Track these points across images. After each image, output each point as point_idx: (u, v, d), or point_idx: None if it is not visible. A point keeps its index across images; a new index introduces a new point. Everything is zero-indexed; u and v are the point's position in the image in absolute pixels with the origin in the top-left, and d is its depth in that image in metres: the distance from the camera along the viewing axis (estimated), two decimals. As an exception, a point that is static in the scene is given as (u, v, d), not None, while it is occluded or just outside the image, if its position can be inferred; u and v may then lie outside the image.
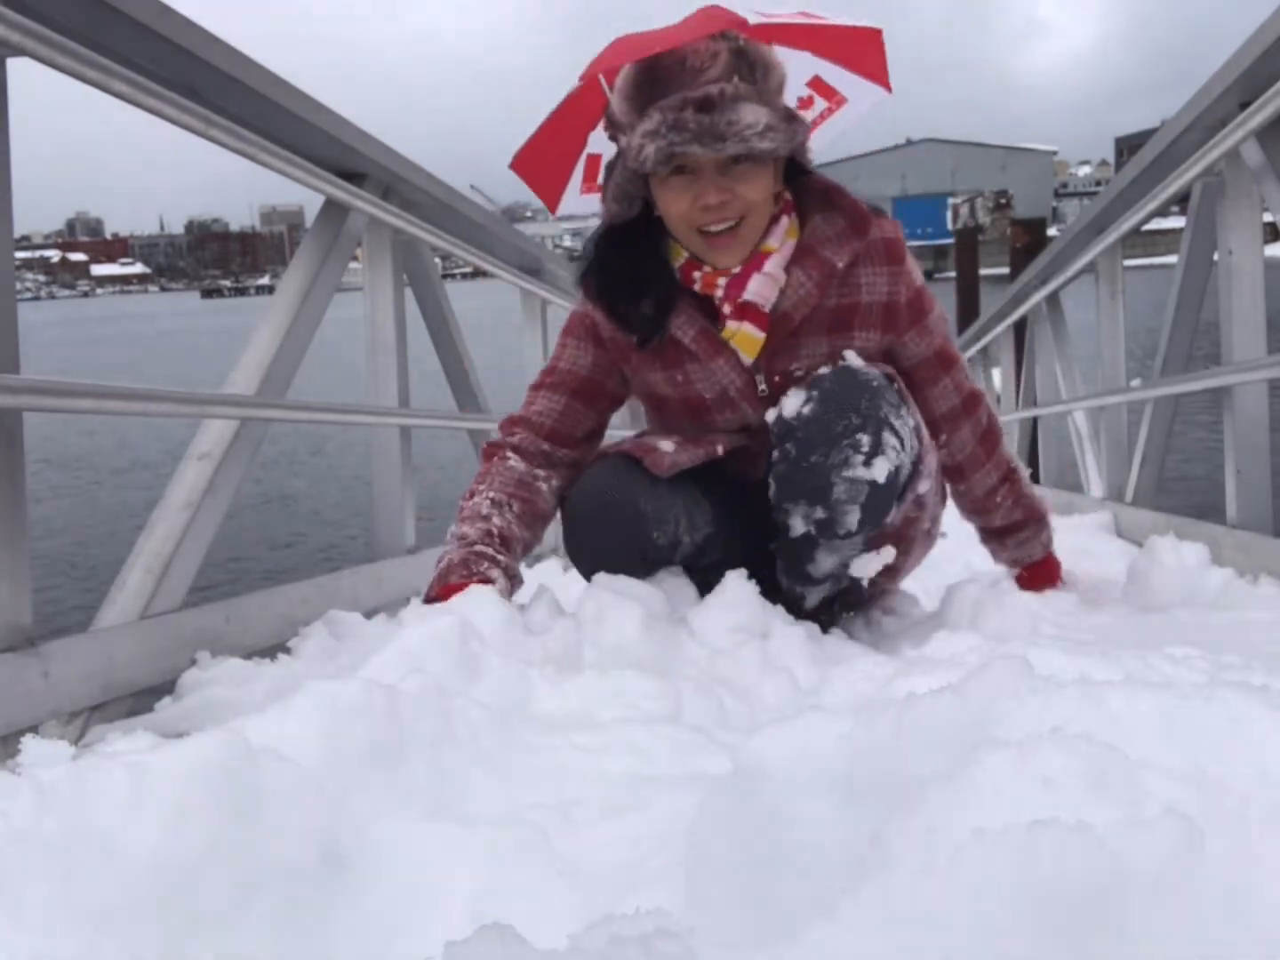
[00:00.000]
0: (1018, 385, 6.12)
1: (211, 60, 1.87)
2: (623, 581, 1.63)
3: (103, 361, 32.85)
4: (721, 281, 1.77)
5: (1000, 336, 6.50)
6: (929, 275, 2.09)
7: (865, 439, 1.66)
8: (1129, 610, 1.98)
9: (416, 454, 2.92)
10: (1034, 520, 2.08)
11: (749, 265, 1.76)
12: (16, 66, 1.49)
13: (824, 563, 1.78)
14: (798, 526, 1.74)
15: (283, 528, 9.73)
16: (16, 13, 1.39)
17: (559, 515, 1.88)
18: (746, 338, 1.79)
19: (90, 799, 0.72)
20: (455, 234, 3.16)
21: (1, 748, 1.35)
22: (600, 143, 1.90)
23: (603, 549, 1.75)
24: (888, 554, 1.84)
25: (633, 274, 1.81)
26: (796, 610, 1.83)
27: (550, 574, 2.73)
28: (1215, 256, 2.88)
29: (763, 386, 1.81)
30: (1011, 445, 2.13)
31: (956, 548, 2.32)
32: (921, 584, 2.24)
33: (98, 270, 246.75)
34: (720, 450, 1.83)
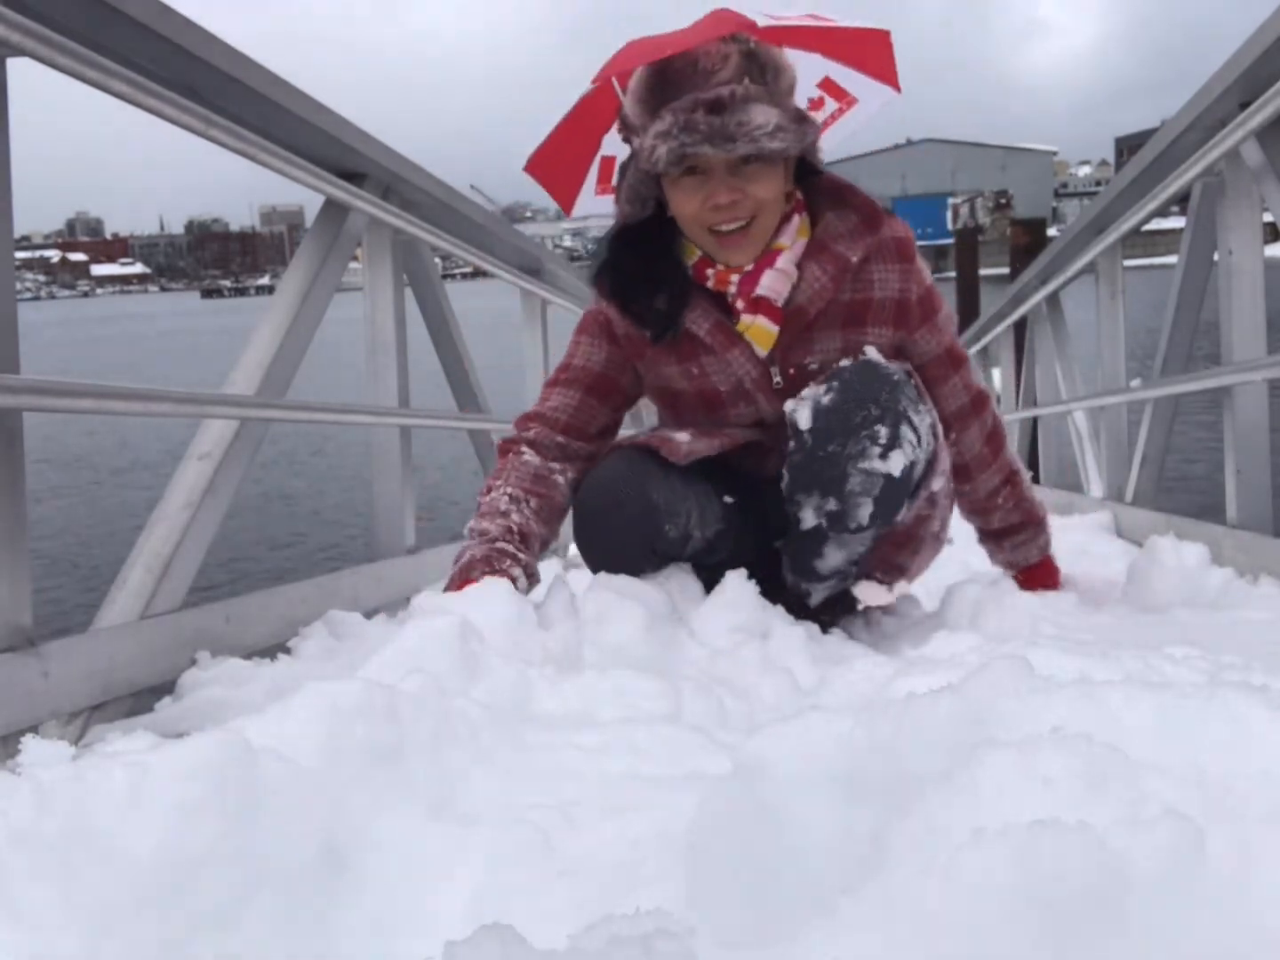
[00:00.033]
0: (1018, 385, 6.12)
1: (211, 60, 1.87)
2: (625, 581, 1.63)
3: (103, 361, 32.85)
4: (734, 278, 1.79)
5: (1000, 336, 6.50)
6: (929, 275, 2.12)
7: (883, 431, 1.67)
8: (1129, 610, 1.98)
9: (416, 454, 2.93)
10: (1032, 524, 2.09)
11: (761, 262, 1.78)
12: (16, 66, 1.49)
13: (832, 558, 1.78)
14: (809, 519, 1.74)
15: (283, 528, 9.73)
16: (16, 13, 1.39)
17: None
18: (761, 330, 1.80)
19: (90, 799, 0.72)
20: (455, 234, 3.16)
21: (1, 748, 1.35)
22: (614, 145, 1.92)
23: (614, 540, 1.76)
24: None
25: (646, 272, 1.83)
26: (799, 608, 1.83)
27: (550, 573, 2.72)
28: (1215, 256, 2.88)
29: (777, 379, 1.83)
30: (1012, 445, 2.14)
31: (956, 549, 2.32)
32: (922, 584, 2.24)
33: (98, 270, 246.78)
34: (737, 439, 1.84)
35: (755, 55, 1.70)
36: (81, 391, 1.57)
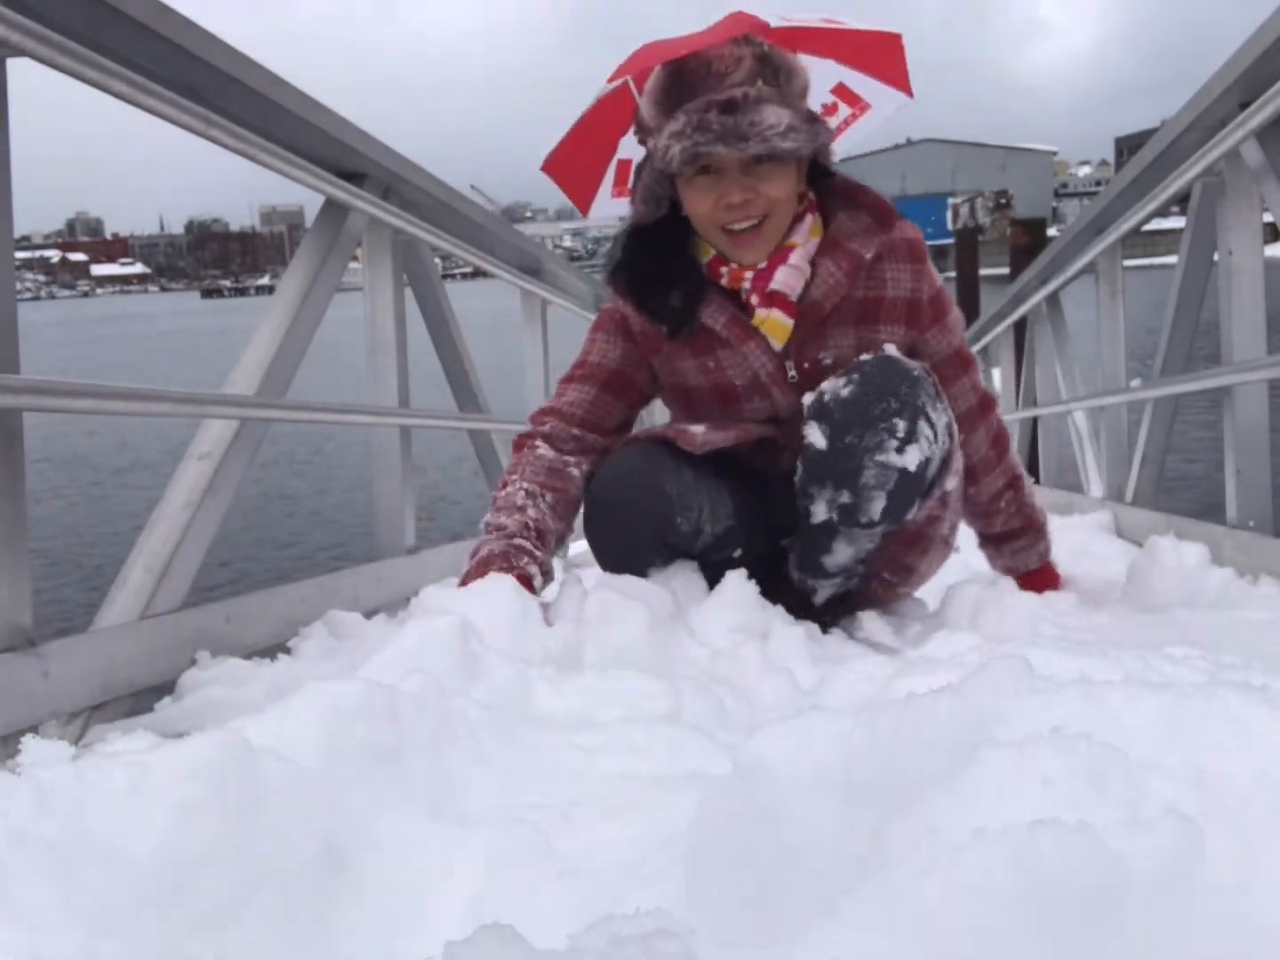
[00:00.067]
0: (1018, 385, 6.12)
1: (211, 60, 1.87)
2: (628, 581, 1.63)
3: (103, 361, 32.85)
4: (748, 275, 1.82)
5: (1000, 336, 6.50)
6: (930, 276, 2.16)
7: (901, 424, 1.67)
8: (1129, 610, 1.98)
9: (416, 454, 2.92)
10: (1032, 529, 2.10)
11: (775, 259, 1.81)
12: (16, 66, 1.49)
13: (840, 554, 1.78)
14: (820, 512, 1.74)
15: (283, 528, 9.73)
16: (16, 13, 1.39)
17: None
18: (776, 324, 1.82)
19: (90, 799, 0.72)
20: (455, 234, 3.16)
21: (1, 748, 1.35)
22: (630, 148, 1.96)
23: (625, 530, 1.77)
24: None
25: (661, 271, 1.86)
26: (804, 607, 1.83)
27: (561, 571, 2.72)
28: (1215, 256, 2.88)
29: (792, 373, 1.84)
30: (1014, 449, 2.15)
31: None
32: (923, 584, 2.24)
33: (98, 270, 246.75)
34: (752, 434, 1.85)
35: (769, 58, 1.73)
36: (81, 391, 1.57)
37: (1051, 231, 18.52)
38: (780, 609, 1.71)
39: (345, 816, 0.82)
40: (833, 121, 1.92)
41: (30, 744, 0.87)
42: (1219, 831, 0.60)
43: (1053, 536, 2.18)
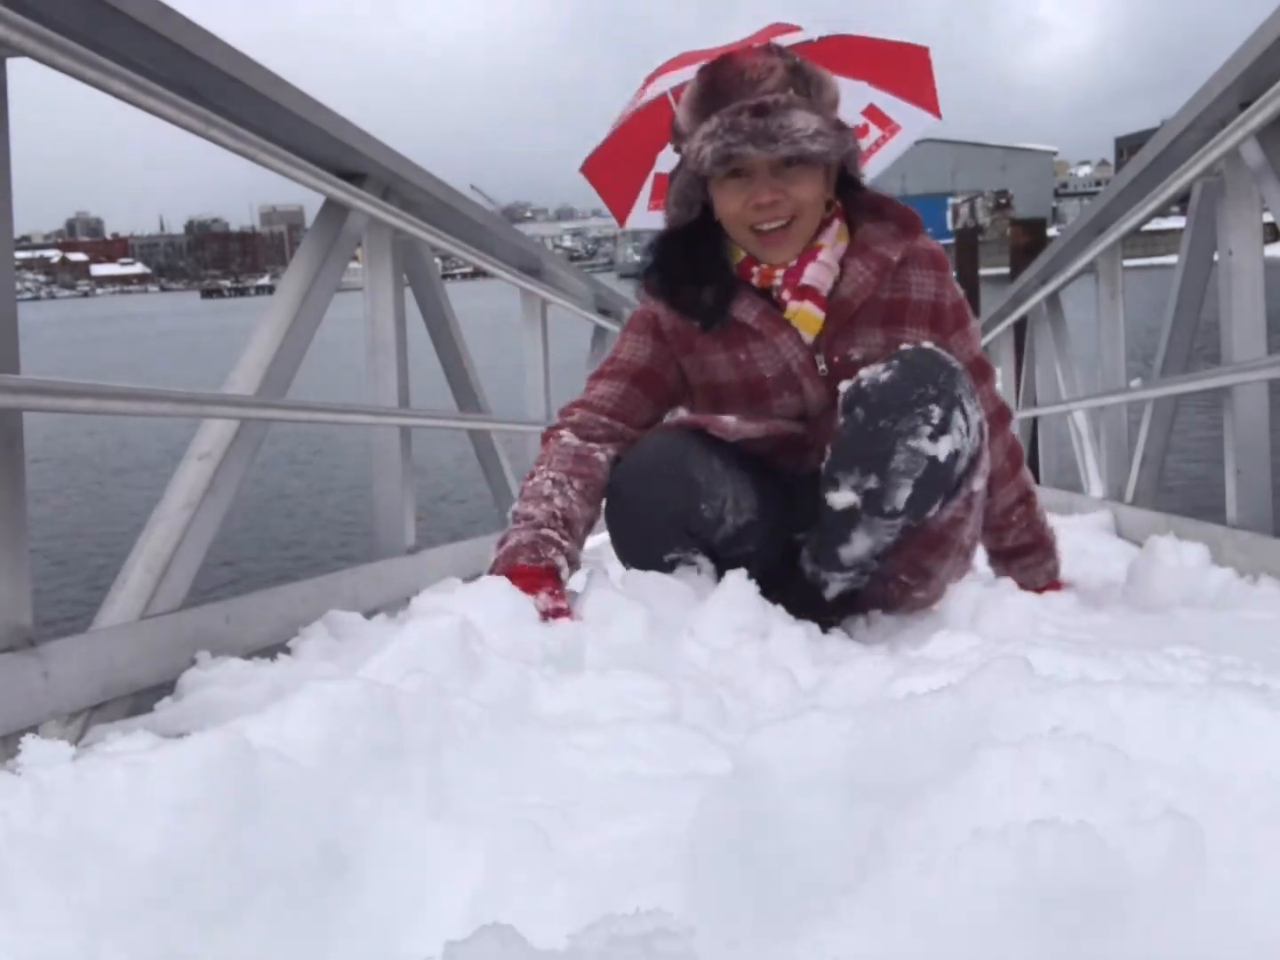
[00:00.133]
0: (1018, 385, 6.12)
1: (211, 60, 1.86)
2: (649, 576, 1.66)
3: (103, 361, 32.85)
4: (779, 273, 1.87)
5: (1000, 336, 6.50)
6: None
7: (937, 411, 1.68)
8: (1129, 610, 1.98)
9: (416, 454, 2.92)
10: (1042, 546, 2.13)
11: (804, 257, 1.86)
12: (16, 66, 1.49)
13: (858, 545, 1.78)
14: (844, 499, 1.74)
15: (283, 528, 9.73)
16: (16, 13, 1.39)
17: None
18: (807, 316, 1.86)
19: (90, 799, 0.72)
20: (455, 234, 3.16)
21: (1, 748, 1.35)
22: (668, 162, 2.03)
23: (649, 511, 1.79)
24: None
25: (694, 271, 1.91)
26: (813, 603, 1.84)
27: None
28: (1215, 256, 2.88)
29: (822, 366, 1.88)
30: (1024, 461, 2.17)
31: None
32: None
33: (98, 270, 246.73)
34: (782, 428, 1.88)
35: (800, 69, 1.81)
36: (81, 391, 1.57)
37: (1051, 231, 18.51)
38: (780, 609, 1.70)
39: (345, 816, 0.82)
40: (864, 143, 1.99)
41: (30, 744, 0.87)
42: (1219, 831, 0.60)
43: (1062, 556, 2.20)
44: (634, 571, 1.72)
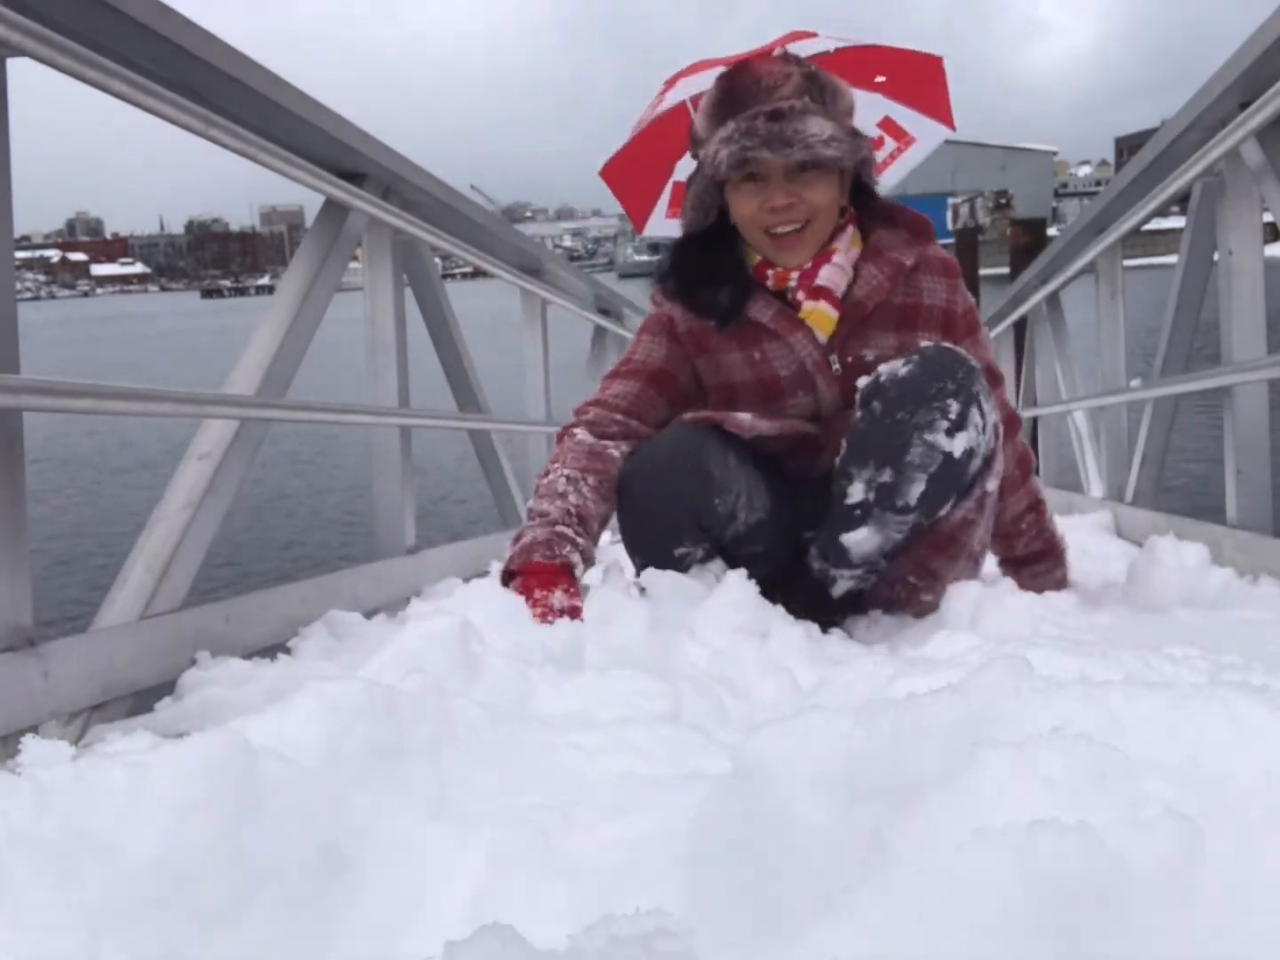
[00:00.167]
0: (1018, 385, 6.12)
1: (211, 60, 1.87)
2: (665, 575, 1.67)
3: (103, 361, 32.84)
4: (794, 275, 1.90)
5: (1000, 336, 6.50)
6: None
7: (955, 406, 1.69)
8: (1129, 610, 1.98)
9: (416, 454, 2.92)
10: (1052, 554, 2.14)
11: (818, 260, 1.90)
12: (16, 66, 1.49)
13: (867, 542, 1.77)
14: (857, 492, 1.75)
15: (283, 528, 9.73)
16: (16, 13, 1.39)
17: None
18: (822, 315, 1.89)
19: (90, 799, 0.72)
20: (455, 234, 3.16)
21: (1, 748, 1.35)
22: (686, 171, 2.05)
23: (663, 504, 1.79)
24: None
25: (710, 274, 1.94)
26: (818, 602, 1.84)
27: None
28: (1215, 256, 2.88)
29: (836, 366, 1.90)
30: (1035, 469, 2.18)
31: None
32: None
33: (98, 270, 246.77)
34: (797, 427, 1.89)
35: (815, 77, 1.85)
36: (81, 391, 1.57)
37: (1051, 231, 18.51)
38: (780, 609, 1.70)
39: (345, 816, 0.82)
40: (880, 155, 2.03)
41: (30, 744, 0.87)
42: (1219, 831, 0.60)
43: (1071, 565, 2.20)
44: (651, 571, 1.72)
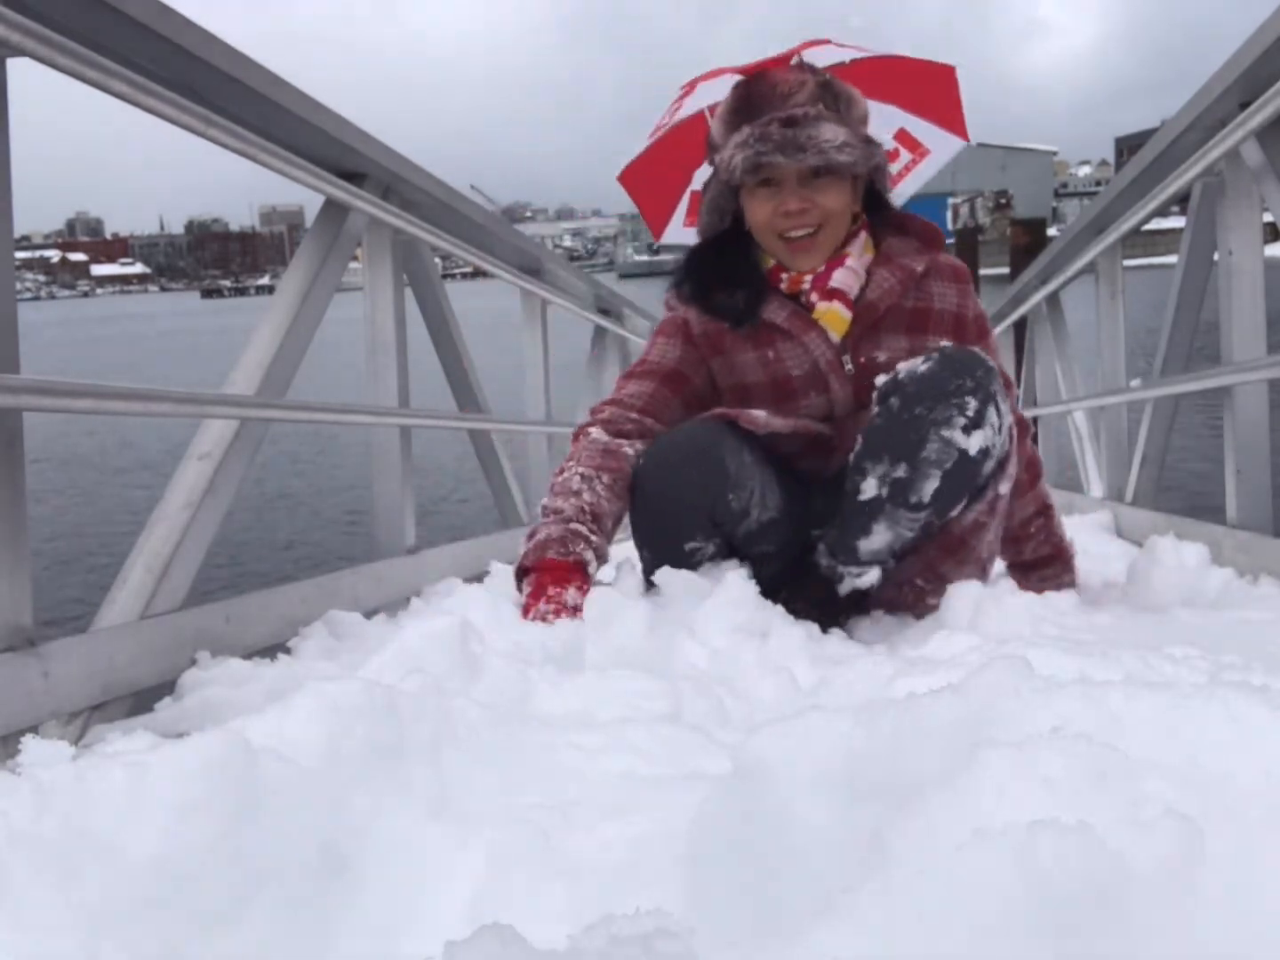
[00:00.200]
0: (1018, 385, 6.13)
1: (211, 60, 1.87)
2: (677, 574, 1.67)
3: (103, 361, 32.84)
4: (807, 278, 1.93)
5: (1000, 336, 6.50)
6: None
7: (973, 403, 1.70)
8: (1129, 610, 1.98)
9: (416, 454, 2.92)
10: (1060, 559, 2.16)
11: (831, 263, 1.93)
12: (16, 66, 1.49)
13: (878, 538, 1.77)
14: (870, 488, 1.75)
15: (283, 528, 9.73)
16: (16, 13, 1.39)
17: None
18: (835, 316, 1.92)
19: (90, 799, 0.72)
20: (455, 234, 3.16)
21: (1, 748, 1.35)
22: (704, 180, 2.07)
23: (678, 496, 1.80)
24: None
25: (725, 277, 1.97)
26: (824, 600, 1.83)
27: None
28: (1215, 256, 2.88)
29: (849, 366, 1.91)
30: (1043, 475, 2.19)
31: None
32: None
33: (98, 270, 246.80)
34: (810, 427, 1.90)
35: (830, 85, 1.89)
36: (81, 391, 1.57)
37: (1051, 231, 18.52)
38: (780, 609, 1.70)
39: (345, 816, 0.82)
40: (894, 167, 2.07)
41: (30, 744, 0.87)
42: (1219, 831, 0.60)
43: (1079, 572, 2.21)
44: (666, 570, 1.72)
